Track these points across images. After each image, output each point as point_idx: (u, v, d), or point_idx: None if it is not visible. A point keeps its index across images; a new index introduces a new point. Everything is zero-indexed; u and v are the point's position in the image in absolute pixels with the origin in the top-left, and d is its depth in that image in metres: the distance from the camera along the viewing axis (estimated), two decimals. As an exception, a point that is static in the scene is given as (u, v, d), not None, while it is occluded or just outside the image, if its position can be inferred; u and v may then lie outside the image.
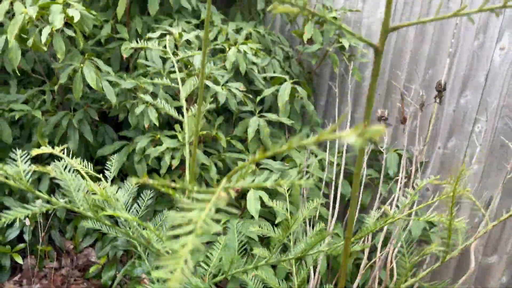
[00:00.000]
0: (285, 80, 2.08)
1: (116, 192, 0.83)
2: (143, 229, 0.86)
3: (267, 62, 2.24)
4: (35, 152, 0.75)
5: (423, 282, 2.07)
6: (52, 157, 2.00)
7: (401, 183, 1.90)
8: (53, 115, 1.92)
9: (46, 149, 0.79)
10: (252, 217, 1.69)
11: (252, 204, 1.65)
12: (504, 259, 1.98)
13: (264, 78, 2.23)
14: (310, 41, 2.25)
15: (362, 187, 2.09)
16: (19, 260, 2.00)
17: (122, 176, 2.06)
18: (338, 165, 2.15)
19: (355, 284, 1.74)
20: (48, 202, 0.71)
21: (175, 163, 1.71)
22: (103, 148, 1.97)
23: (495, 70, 1.96)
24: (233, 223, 1.19)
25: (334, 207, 1.92)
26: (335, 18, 2.24)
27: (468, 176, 2.07)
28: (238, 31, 2.38)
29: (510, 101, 1.92)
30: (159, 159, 1.85)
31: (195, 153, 0.90)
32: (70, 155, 0.92)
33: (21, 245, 2.05)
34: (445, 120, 2.14)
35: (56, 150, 0.81)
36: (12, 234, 2.00)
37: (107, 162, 1.01)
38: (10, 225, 2.04)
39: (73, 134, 1.90)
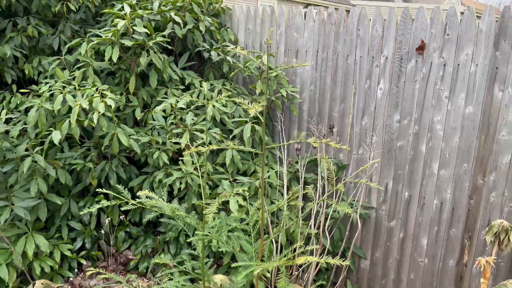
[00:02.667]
0: (247, 122, 3.15)
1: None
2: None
3: (234, 109, 3.30)
4: (143, 193, 1.78)
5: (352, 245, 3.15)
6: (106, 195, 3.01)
7: (330, 180, 2.98)
8: (97, 164, 2.95)
9: (145, 192, 1.82)
10: (232, 230, 2.74)
11: (233, 205, 2.70)
12: (399, 222, 3.07)
13: (234, 121, 3.30)
14: (261, 92, 3.33)
15: (303, 185, 3.17)
16: (83, 261, 3.00)
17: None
18: (290, 173, 3.22)
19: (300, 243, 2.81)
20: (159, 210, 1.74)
21: (183, 186, 2.76)
22: (132, 181, 3.00)
23: (379, 102, 3.07)
24: (222, 216, 2.23)
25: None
26: (276, 75, 3.32)
27: (372, 171, 3.17)
28: (212, 89, 3.45)
29: (389, 122, 3.03)
30: (170, 185, 2.89)
31: (204, 197, 1.94)
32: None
33: (83, 252, 3.05)
34: (355, 136, 3.24)
35: (146, 193, 1.84)
36: (77, 245, 3.00)
37: (137, 192, 2.04)
38: (75, 239, 3.04)
39: (113, 174, 2.93)
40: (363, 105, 3.16)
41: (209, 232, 1.87)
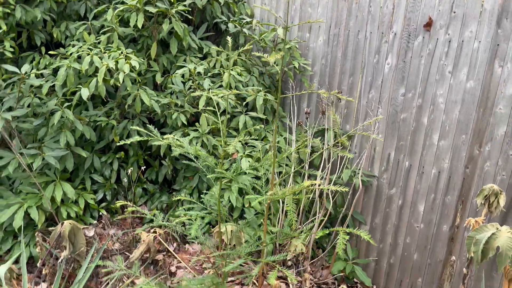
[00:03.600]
0: (260, 91, 3.35)
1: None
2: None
3: (248, 79, 3.50)
4: (168, 136, 1.99)
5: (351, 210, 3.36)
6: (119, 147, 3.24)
7: (336, 148, 3.18)
8: (120, 122, 3.18)
9: (170, 136, 2.03)
10: (245, 173, 2.96)
11: (244, 164, 2.92)
12: (399, 190, 3.28)
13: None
14: (275, 63, 3.52)
15: (310, 153, 3.37)
16: (103, 212, 3.26)
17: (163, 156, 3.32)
18: (298, 140, 3.43)
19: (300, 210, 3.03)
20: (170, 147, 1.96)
21: (198, 145, 2.98)
22: (151, 141, 3.22)
23: (386, 77, 3.24)
24: (236, 164, 2.45)
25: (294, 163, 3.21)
26: (289, 48, 3.50)
27: (376, 142, 3.36)
28: (228, 59, 3.64)
29: (395, 96, 3.20)
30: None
31: (223, 135, 2.15)
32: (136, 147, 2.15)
33: (103, 204, 3.30)
34: (362, 108, 3.42)
35: (171, 136, 2.05)
36: (99, 196, 3.25)
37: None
38: (96, 191, 3.29)
39: (134, 133, 3.15)
40: (371, 79, 3.33)
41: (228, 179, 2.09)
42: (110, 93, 3.47)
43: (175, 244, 3.16)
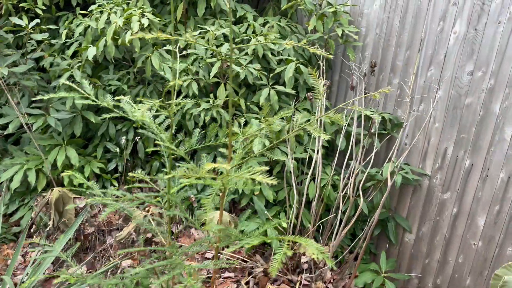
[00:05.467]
0: (293, 61, 2.85)
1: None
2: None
3: (283, 48, 3.01)
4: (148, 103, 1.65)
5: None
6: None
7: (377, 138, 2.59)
8: (135, 88, 2.92)
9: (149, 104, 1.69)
10: (255, 156, 2.52)
11: (256, 145, 2.48)
12: (454, 195, 2.58)
13: (282, 60, 3.02)
14: (315, 30, 2.98)
15: (354, 142, 2.81)
16: (115, 183, 3.07)
17: (178, 128, 3.02)
18: (332, 123, 2.88)
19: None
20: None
21: (208, 118, 2.60)
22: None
23: (450, 50, 2.53)
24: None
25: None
26: (334, 12, 2.93)
27: (431, 132, 2.68)
28: (264, 24, 3.18)
29: (459, 74, 2.49)
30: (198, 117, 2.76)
31: (231, 110, 1.75)
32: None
33: (116, 174, 3.11)
34: (418, 89, 2.75)
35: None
36: (111, 166, 3.07)
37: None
38: (110, 160, 3.11)
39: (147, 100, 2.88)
40: (431, 52, 2.64)
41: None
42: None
43: (180, 227, 2.87)
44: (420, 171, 2.72)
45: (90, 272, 2.58)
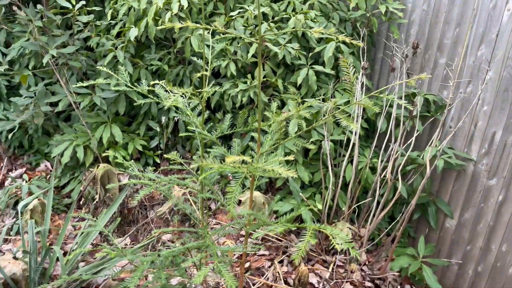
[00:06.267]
0: (333, 40, 2.78)
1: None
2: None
3: (324, 26, 2.93)
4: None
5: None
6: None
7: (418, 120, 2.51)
8: (175, 68, 2.98)
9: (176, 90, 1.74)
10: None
11: (292, 127, 2.48)
12: (501, 182, 2.46)
13: (322, 39, 2.95)
14: (357, 7, 2.87)
15: (394, 123, 2.73)
16: (157, 160, 3.19)
17: (216, 108, 3.06)
18: (375, 104, 2.81)
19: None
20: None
21: (245, 99, 2.62)
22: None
23: (503, 27, 2.36)
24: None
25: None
26: (378, -12, 2.80)
27: (479, 115, 2.54)
28: (305, 1, 3.10)
29: (512, 54, 2.33)
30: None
31: (259, 93, 1.77)
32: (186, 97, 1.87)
33: (158, 152, 3.23)
34: (467, 69, 2.61)
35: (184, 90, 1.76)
36: (153, 143, 3.18)
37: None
38: (152, 138, 3.22)
39: (186, 80, 2.94)
40: (482, 30, 2.48)
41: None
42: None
43: (218, 203, 2.95)
44: (465, 155, 2.61)
45: (133, 243, 2.73)
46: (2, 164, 3.34)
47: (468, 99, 2.61)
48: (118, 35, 3.29)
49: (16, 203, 2.89)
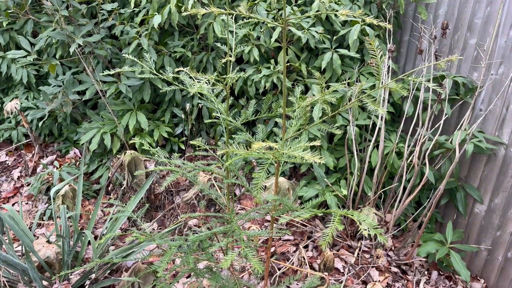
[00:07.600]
0: (358, 23, 2.72)
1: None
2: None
3: (349, 8, 2.87)
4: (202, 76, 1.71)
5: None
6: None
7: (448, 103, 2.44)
8: (198, 54, 2.99)
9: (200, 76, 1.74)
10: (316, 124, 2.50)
11: (316, 112, 2.45)
12: (533, 167, 2.39)
13: (346, 21, 2.89)
14: (383, -12, 2.79)
15: (422, 107, 2.67)
16: (182, 146, 3.23)
17: (239, 94, 3.06)
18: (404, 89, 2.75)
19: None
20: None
21: (268, 85, 2.60)
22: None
23: (539, 5, 2.26)
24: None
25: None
26: (405, -33, 2.71)
27: (511, 98, 2.45)
28: (329, -16, 3.03)
29: (548, 32, 2.22)
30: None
31: (284, 78, 1.76)
32: (210, 83, 1.88)
33: (183, 138, 3.27)
34: (498, 50, 2.51)
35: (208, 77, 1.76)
36: (178, 130, 3.22)
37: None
38: (177, 124, 3.26)
39: (210, 67, 2.94)
40: (516, 8, 2.38)
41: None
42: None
43: (243, 189, 2.97)
44: (496, 139, 2.53)
45: (160, 228, 2.79)
46: (33, 152, 3.45)
47: (500, 81, 2.52)
48: (142, 22, 3.31)
49: (48, 189, 2.99)
